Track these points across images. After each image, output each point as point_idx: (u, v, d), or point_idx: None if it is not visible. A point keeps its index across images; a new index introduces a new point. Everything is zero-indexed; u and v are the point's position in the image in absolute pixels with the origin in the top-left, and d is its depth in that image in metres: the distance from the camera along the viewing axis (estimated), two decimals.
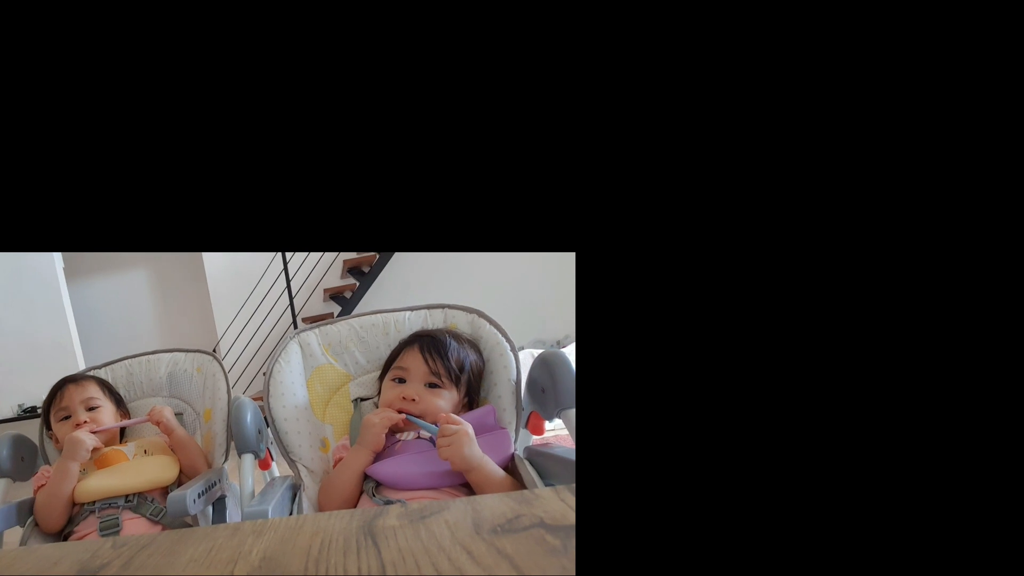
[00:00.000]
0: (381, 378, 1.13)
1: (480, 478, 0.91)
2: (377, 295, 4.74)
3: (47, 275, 4.86)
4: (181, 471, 1.27)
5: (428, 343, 1.07)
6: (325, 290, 4.89)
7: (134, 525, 1.17)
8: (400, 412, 1.01)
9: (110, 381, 1.44)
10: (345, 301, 4.81)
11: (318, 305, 5.03)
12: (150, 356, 1.51)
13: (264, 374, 1.16)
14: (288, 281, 4.67)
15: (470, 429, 0.92)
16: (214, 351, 1.51)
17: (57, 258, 4.91)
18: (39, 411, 1.39)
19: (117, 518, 1.17)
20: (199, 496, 1.11)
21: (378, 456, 1.01)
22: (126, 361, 1.50)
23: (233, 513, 1.28)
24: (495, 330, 1.14)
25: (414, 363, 1.06)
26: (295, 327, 4.65)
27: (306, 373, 1.18)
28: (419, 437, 1.02)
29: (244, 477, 1.16)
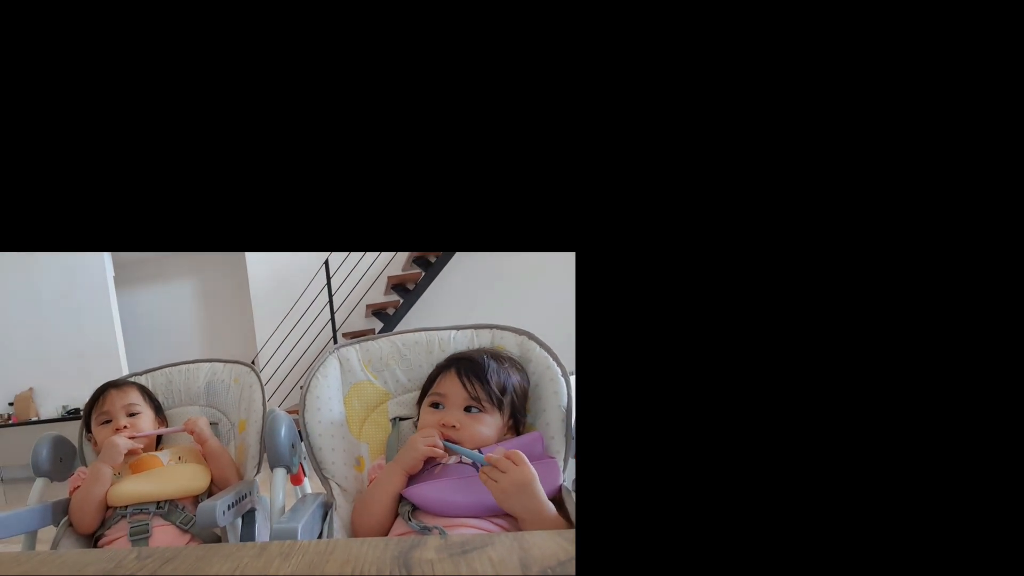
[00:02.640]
0: (419, 401, 1.09)
1: (528, 526, 0.85)
2: (421, 313, 4.74)
3: (98, 283, 5.01)
4: (212, 481, 1.27)
5: (466, 367, 1.03)
6: (368, 306, 4.92)
7: (163, 532, 1.18)
8: (440, 438, 0.97)
9: (150, 388, 1.46)
10: (387, 318, 4.83)
11: (360, 321, 5.07)
12: (190, 365, 1.52)
13: (301, 388, 1.14)
14: (331, 295, 4.71)
15: (534, 478, 0.85)
16: (253, 363, 1.51)
17: (108, 267, 5.06)
18: (82, 413, 1.41)
19: (147, 524, 1.17)
20: (229, 508, 1.10)
21: (417, 478, 0.97)
22: (167, 369, 1.52)
23: (262, 527, 1.27)
24: (545, 353, 1.09)
25: (452, 388, 1.02)
26: (335, 342, 4.67)
27: (344, 389, 1.15)
28: (461, 461, 0.98)
29: (275, 492, 1.15)
